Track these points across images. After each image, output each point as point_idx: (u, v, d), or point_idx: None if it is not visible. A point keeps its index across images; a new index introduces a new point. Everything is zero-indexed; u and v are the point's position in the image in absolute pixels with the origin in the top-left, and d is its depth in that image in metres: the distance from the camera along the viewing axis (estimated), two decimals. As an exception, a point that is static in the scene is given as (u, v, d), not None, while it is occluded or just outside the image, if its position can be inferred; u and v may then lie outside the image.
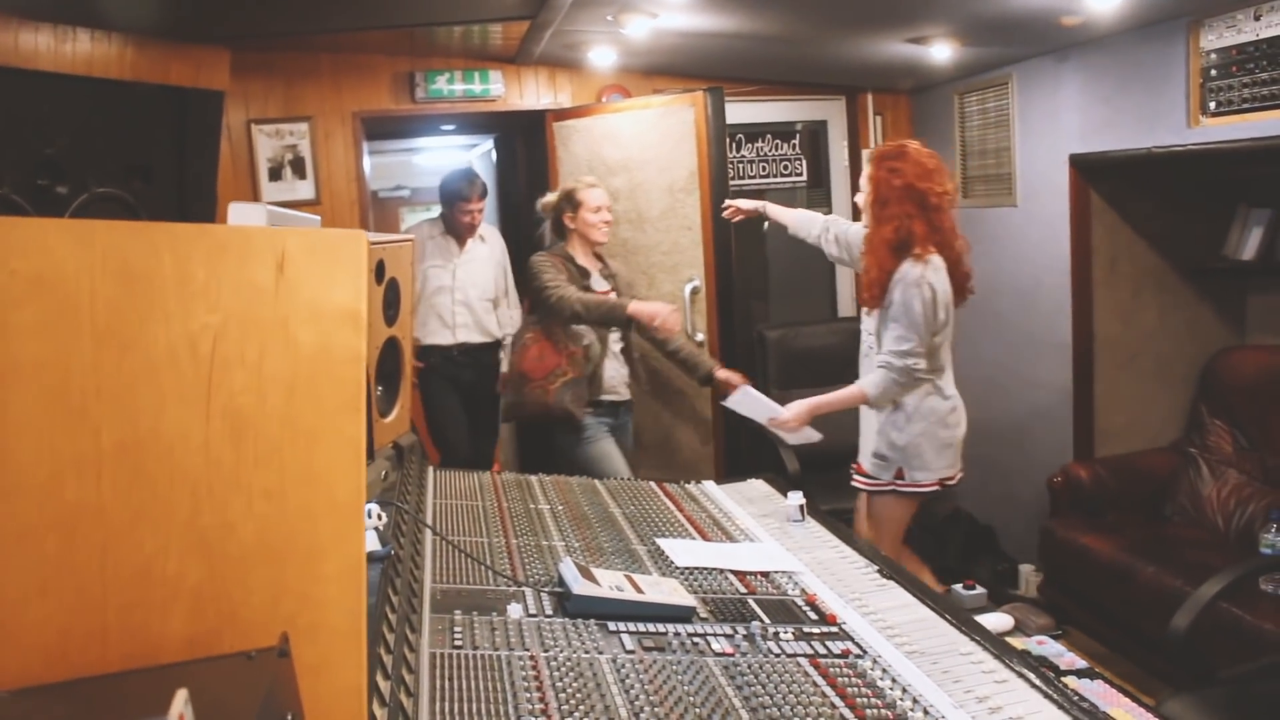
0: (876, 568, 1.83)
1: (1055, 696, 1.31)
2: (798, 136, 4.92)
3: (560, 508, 2.14)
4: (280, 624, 0.93)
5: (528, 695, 1.22)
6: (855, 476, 3.08)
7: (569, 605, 1.50)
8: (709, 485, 2.46)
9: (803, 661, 1.39)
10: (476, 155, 7.19)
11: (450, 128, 5.97)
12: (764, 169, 4.88)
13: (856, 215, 3.14)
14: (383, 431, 1.85)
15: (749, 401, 3.10)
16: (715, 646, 1.42)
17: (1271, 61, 2.93)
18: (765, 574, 1.79)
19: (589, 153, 4.35)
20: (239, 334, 0.94)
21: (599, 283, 3.75)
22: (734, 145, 4.74)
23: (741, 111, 4.65)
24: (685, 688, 1.28)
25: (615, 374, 3.78)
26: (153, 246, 0.93)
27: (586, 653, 1.36)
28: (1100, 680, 1.54)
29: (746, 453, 4.04)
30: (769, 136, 4.87)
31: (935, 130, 4.65)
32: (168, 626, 0.92)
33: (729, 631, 1.49)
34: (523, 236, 5.04)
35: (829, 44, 4.02)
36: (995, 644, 1.49)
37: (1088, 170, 3.81)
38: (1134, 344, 3.97)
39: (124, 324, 0.91)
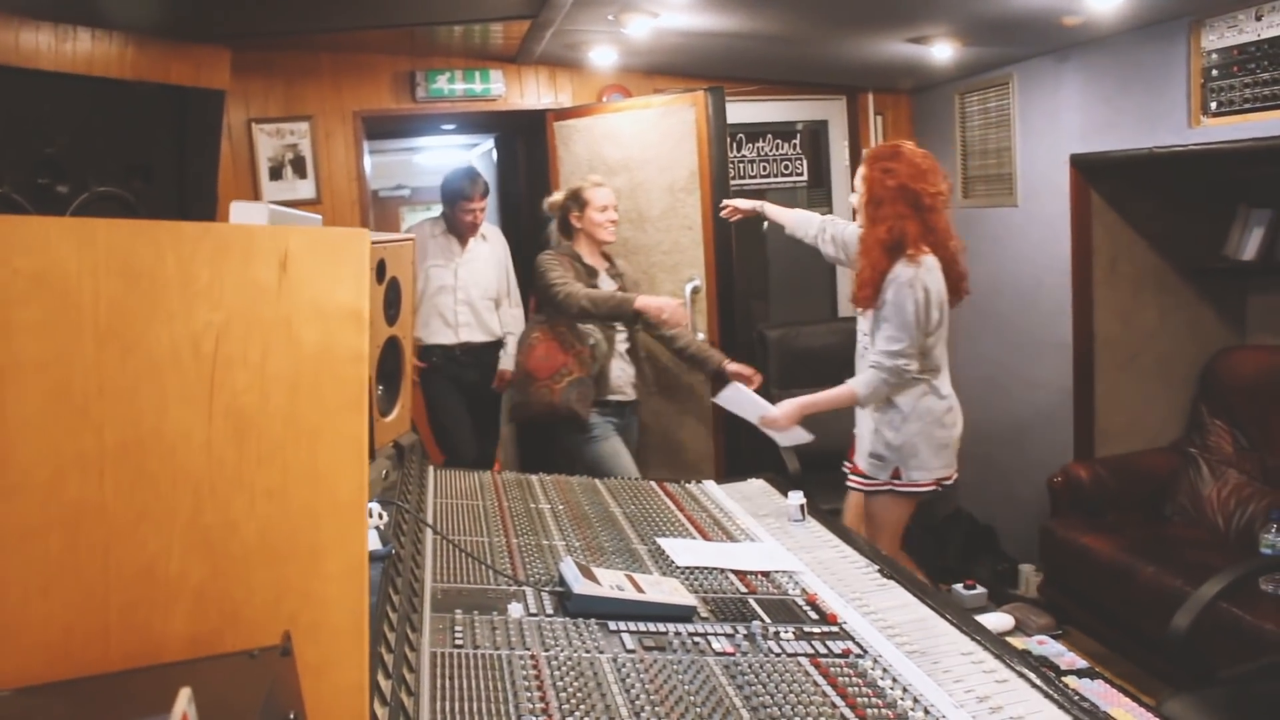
0: (877, 567, 1.83)
1: (1055, 696, 1.31)
2: (798, 136, 4.92)
3: (561, 507, 2.15)
4: (282, 623, 0.93)
5: (528, 694, 1.22)
6: (851, 477, 3.08)
7: (570, 604, 1.50)
8: (709, 485, 2.46)
9: (803, 661, 1.39)
10: (477, 155, 7.19)
11: (451, 127, 5.97)
12: (764, 169, 4.88)
13: (855, 215, 3.14)
14: (383, 431, 1.85)
15: (740, 399, 3.10)
16: (716, 646, 1.42)
17: (1272, 61, 2.93)
18: (766, 573, 1.79)
19: (590, 152, 4.35)
20: (242, 333, 0.94)
21: (606, 282, 3.75)
22: (735, 145, 4.74)
23: (742, 111, 4.65)
24: (686, 687, 1.28)
25: (622, 374, 3.78)
26: (155, 245, 0.93)
27: (587, 652, 1.36)
28: (1100, 680, 1.54)
29: (747, 453, 4.04)
30: (769, 136, 4.87)
31: (936, 130, 4.65)
32: (170, 625, 0.92)
33: (729, 631, 1.49)
34: (523, 236, 5.05)
35: (830, 44, 4.02)
36: (996, 644, 1.49)
37: (1088, 170, 3.81)
38: (1134, 344, 3.97)
39: (126, 323, 0.91)
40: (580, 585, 1.50)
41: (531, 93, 4.60)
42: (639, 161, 4.20)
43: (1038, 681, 1.35)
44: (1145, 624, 3.23)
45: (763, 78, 4.73)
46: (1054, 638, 1.75)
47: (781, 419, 2.96)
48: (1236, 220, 3.83)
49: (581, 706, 1.20)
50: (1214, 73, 3.11)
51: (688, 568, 1.78)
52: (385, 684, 1.14)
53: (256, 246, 0.95)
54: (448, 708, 1.17)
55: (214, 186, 3.74)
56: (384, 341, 1.82)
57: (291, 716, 0.82)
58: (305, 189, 4.35)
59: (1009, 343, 4.32)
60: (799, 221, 3.41)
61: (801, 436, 3.04)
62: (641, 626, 1.46)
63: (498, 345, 4.32)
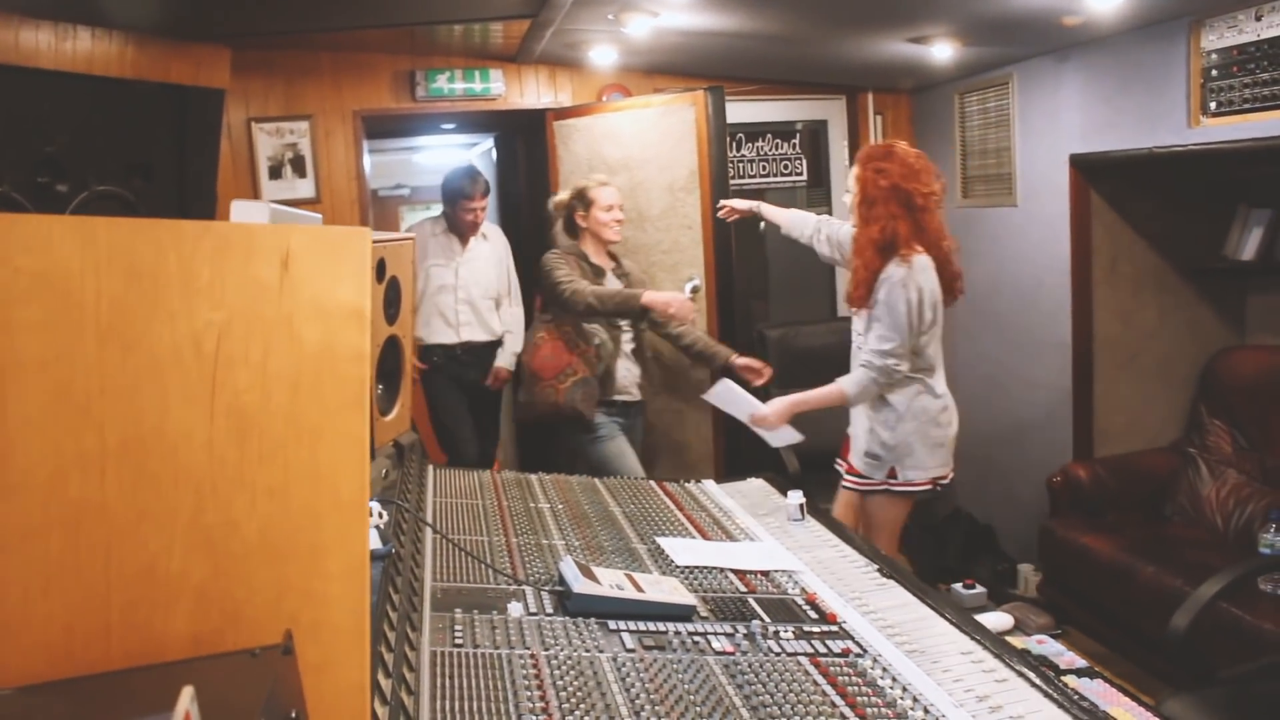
0: (876, 567, 1.83)
1: (1055, 695, 1.31)
2: (798, 136, 4.92)
3: (560, 506, 2.15)
4: (284, 622, 0.93)
5: (528, 694, 1.22)
6: (846, 476, 3.07)
7: (569, 604, 1.51)
8: (709, 484, 2.46)
9: (803, 660, 1.40)
10: (477, 154, 7.18)
11: (450, 126, 5.97)
12: (764, 168, 4.88)
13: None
14: (383, 430, 1.85)
15: (730, 396, 3.09)
16: (715, 645, 1.42)
17: (1272, 62, 2.94)
18: (765, 573, 1.79)
19: (589, 152, 4.35)
20: (243, 331, 0.94)
21: (612, 281, 3.74)
22: (734, 144, 4.74)
23: (742, 111, 4.65)
24: (685, 686, 1.28)
25: (627, 374, 3.77)
26: (157, 244, 0.93)
27: (587, 651, 1.36)
28: (1100, 680, 1.54)
29: (746, 452, 4.04)
30: (769, 136, 4.87)
31: (936, 130, 4.65)
32: (171, 624, 0.92)
33: (729, 630, 1.49)
34: (523, 235, 5.05)
35: (830, 43, 4.02)
36: (995, 643, 1.49)
37: (1088, 170, 3.81)
38: (1134, 344, 3.97)
39: (128, 321, 0.91)
40: (580, 584, 1.51)
41: (531, 92, 4.60)
42: (639, 161, 4.20)
43: (1037, 681, 1.35)
44: (1145, 624, 3.24)
45: (762, 77, 4.73)
46: (1053, 637, 1.75)
47: (771, 417, 2.96)
48: (1236, 220, 3.83)
49: (581, 706, 1.20)
50: (1214, 73, 3.12)
51: (687, 567, 1.79)
52: (385, 683, 1.14)
53: (258, 245, 0.95)
54: (448, 707, 1.17)
55: (214, 186, 3.74)
56: (384, 341, 1.82)
57: (293, 715, 0.82)
58: (305, 188, 4.35)
59: (1009, 343, 4.32)
60: (794, 222, 3.41)
61: (791, 436, 3.03)
62: (641, 626, 1.46)
63: (498, 344, 4.32)
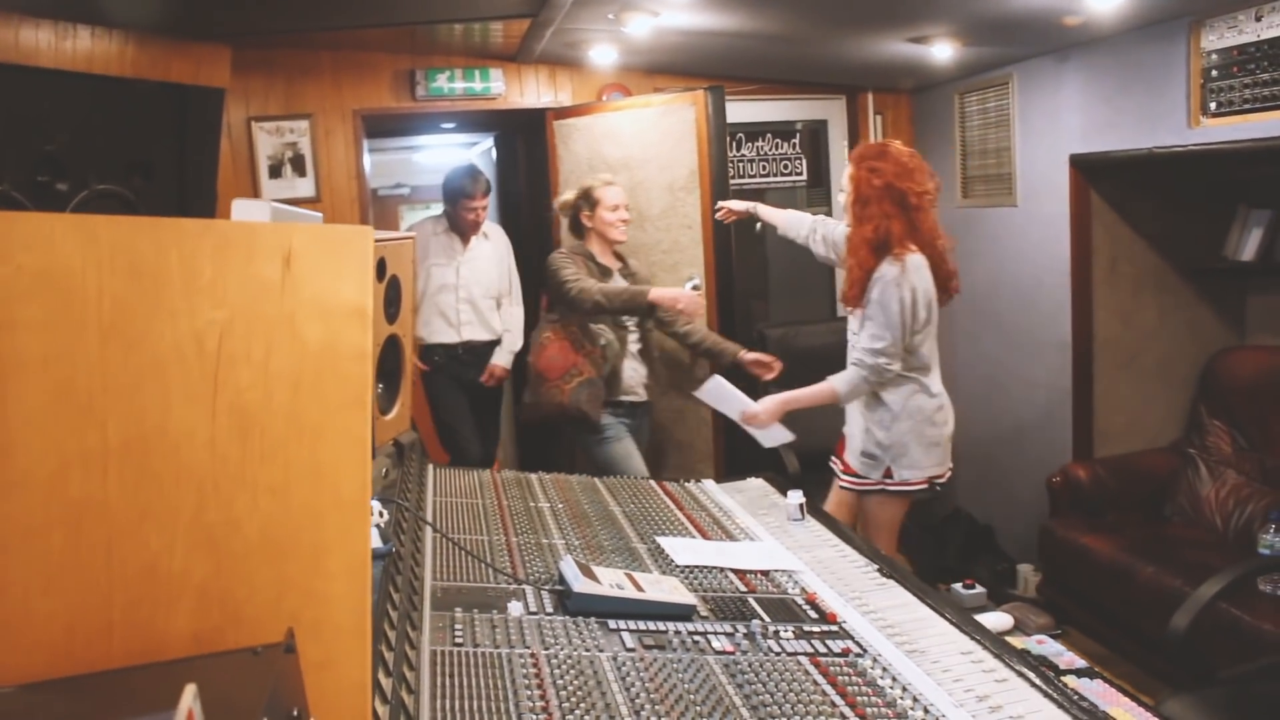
0: (876, 566, 1.83)
1: (1055, 695, 1.32)
2: (798, 136, 4.92)
3: (560, 506, 2.15)
4: (285, 620, 0.93)
5: (528, 693, 1.22)
6: (842, 476, 3.07)
7: (569, 603, 1.51)
8: (709, 484, 2.46)
9: (803, 660, 1.40)
10: (477, 153, 7.18)
11: (450, 126, 5.96)
12: (764, 168, 4.88)
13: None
14: (383, 429, 1.85)
15: (721, 393, 3.09)
16: (715, 645, 1.42)
17: (1272, 62, 2.94)
18: (765, 573, 1.80)
19: (589, 151, 4.35)
20: (245, 330, 0.94)
21: (619, 282, 3.74)
22: (734, 144, 4.74)
23: (742, 110, 4.65)
24: (685, 686, 1.28)
25: (634, 374, 3.76)
26: (159, 242, 0.93)
27: (587, 650, 1.36)
28: (1100, 680, 1.54)
29: (746, 452, 4.04)
30: (769, 136, 4.87)
31: (936, 130, 4.65)
32: (173, 622, 0.92)
33: (729, 630, 1.49)
34: (523, 234, 5.05)
35: (830, 43, 4.02)
36: (995, 643, 1.49)
37: (1088, 170, 3.81)
38: (1134, 344, 3.97)
39: (130, 320, 0.91)
40: (580, 584, 1.51)
41: (531, 91, 4.60)
42: (639, 160, 4.20)
43: (1037, 681, 1.36)
44: (1144, 624, 3.24)
45: (762, 77, 4.73)
46: (1053, 637, 1.75)
47: (763, 414, 2.96)
48: (1236, 220, 3.83)
49: (581, 705, 1.20)
50: (1214, 73, 3.12)
51: (687, 567, 1.79)
52: (386, 682, 1.14)
53: (260, 244, 0.95)
54: (448, 706, 1.17)
55: (214, 184, 3.74)
56: (384, 340, 1.82)
57: (295, 714, 0.82)
58: (305, 187, 4.35)
59: (1008, 343, 4.32)
60: (790, 222, 3.42)
61: (783, 436, 3.03)
62: (641, 625, 1.47)
63: (498, 344, 4.32)
